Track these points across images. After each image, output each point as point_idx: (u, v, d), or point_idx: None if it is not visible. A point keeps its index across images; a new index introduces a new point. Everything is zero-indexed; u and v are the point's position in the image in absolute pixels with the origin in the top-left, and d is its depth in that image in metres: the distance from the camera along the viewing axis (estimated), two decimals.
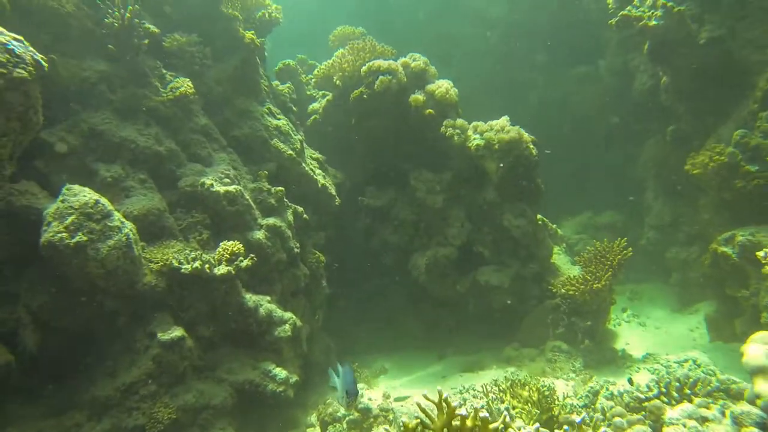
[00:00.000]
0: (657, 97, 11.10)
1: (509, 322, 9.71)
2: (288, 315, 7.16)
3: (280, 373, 6.58)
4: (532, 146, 9.00)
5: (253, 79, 8.82)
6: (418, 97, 9.24)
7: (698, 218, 10.69)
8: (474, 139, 8.94)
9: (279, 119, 9.03)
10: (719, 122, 8.84)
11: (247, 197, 7.36)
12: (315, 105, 11.46)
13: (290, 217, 8.09)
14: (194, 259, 6.10)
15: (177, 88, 7.14)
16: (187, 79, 7.37)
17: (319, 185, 9.35)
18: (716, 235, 7.93)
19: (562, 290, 8.44)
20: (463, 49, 17.24)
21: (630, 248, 8.39)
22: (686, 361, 7.76)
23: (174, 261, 6.00)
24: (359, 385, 6.40)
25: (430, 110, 9.27)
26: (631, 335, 10.15)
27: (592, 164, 15.15)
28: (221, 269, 6.23)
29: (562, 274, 9.69)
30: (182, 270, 5.97)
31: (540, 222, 11.12)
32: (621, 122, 14.03)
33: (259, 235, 7.22)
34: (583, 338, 9.08)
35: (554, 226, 11.56)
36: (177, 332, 5.79)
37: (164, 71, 7.38)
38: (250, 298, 6.69)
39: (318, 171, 9.74)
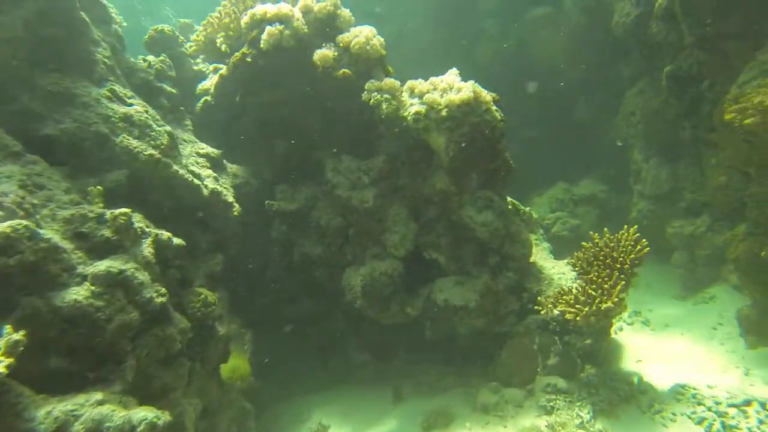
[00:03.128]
0: (645, 30, 8.61)
1: (483, 348, 7.21)
2: (140, 415, 4.35)
3: None
4: (494, 108, 6.34)
5: (78, 45, 5.81)
6: (326, 52, 6.40)
7: (708, 181, 8.35)
8: (411, 105, 6.20)
9: (130, 105, 6.06)
10: (753, 48, 6.30)
11: (51, 236, 4.45)
12: (206, 84, 8.43)
13: (148, 252, 5.20)
14: None
15: None
16: None
17: (207, 192, 6.48)
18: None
19: (555, 311, 5.92)
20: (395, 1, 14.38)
21: (645, 241, 5.90)
22: (748, 403, 5.37)
23: None
24: None
25: (345, 70, 6.45)
26: (638, 343, 7.79)
27: (561, 125, 12.70)
28: None
29: (547, 278, 7.17)
30: None
31: (510, 207, 8.59)
32: (594, 69, 11.56)
33: (79, 294, 4.35)
34: (582, 363, 6.65)
35: (528, 209, 9.03)
36: None
37: None
38: (46, 415, 3.84)
39: (207, 172, 6.84)
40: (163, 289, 5.14)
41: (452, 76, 6.38)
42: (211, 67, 8.78)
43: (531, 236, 9.05)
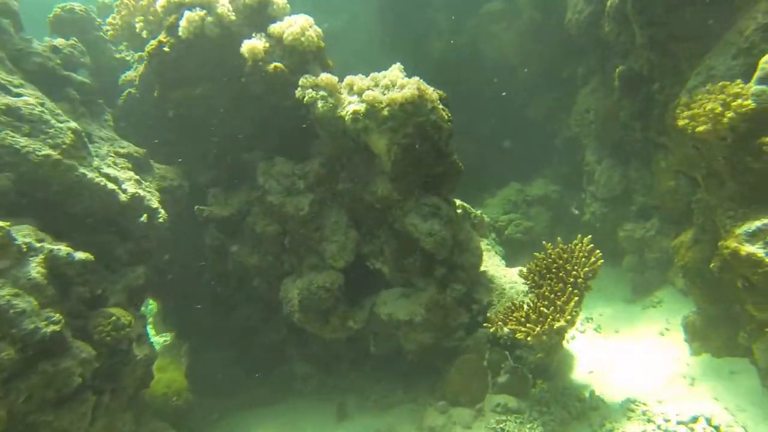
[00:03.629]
0: (598, 28, 8.33)
1: (430, 363, 6.77)
2: None
3: None
4: (441, 107, 5.85)
5: None
6: (256, 44, 5.74)
7: (658, 184, 8.17)
8: (349, 103, 5.64)
9: (18, 96, 5.25)
10: (701, 51, 6.10)
11: None
12: (130, 74, 7.61)
13: (36, 272, 4.44)
14: None
15: None
16: None
17: (125, 197, 5.74)
18: (725, 221, 5.23)
19: (505, 329, 5.50)
20: None
21: (599, 252, 5.57)
22: (695, 420, 5.12)
23: None
24: None
25: (278, 64, 5.82)
26: (590, 352, 7.54)
27: (514, 123, 12.40)
28: None
29: (498, 288, 6.78)
30: None
31: (460, 211, 8.16)
32: (548, 66, 11.27)
33: None
34: (534, 379, 6.30)
35: (479, 212, 8.64)
36: None
37: None
38: None
39: (128, 174, 6.07)
40: (57, 315, 4.42)
41: (396, 71, 5.85)
42: (135, 56, 7.95)
43: (482, 241, 8.68)
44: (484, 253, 8.42)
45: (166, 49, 5.58)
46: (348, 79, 5.73)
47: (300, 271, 6.49)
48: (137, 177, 6.15)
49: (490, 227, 9.41)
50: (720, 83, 4.88)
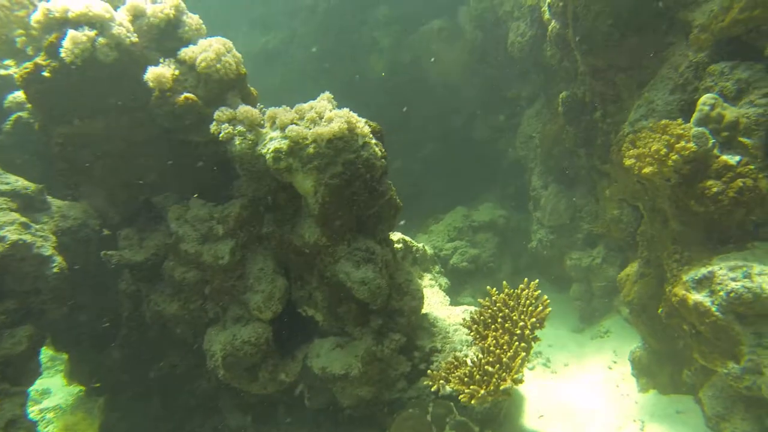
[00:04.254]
0: (541, 52, 8.08)
1: (371, 416, 6.21)
2: None
3: None
4: (374, 142, 5.33)
5: None
6: (163, 71, 5.05)
7: (603, 213, 7.98)
8: (271, 140, 5.03)
9: None
10: (641, 82, 5.88)
11: None
12: (19, 95, 6.70)
13: None
14: None
15: None
16: None
17: (0, 248, 4.89)
18: (671, 264, 4.94)
19: (447, 387, 5.00)
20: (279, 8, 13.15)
21: (547, 300, 5.17)
22: None
23: None
24: None
25: (190, 95, 5.15)
26: (540, 392, 7.18)
27: (460, 143, 12.11)
28: None
29: (441, 332, 6.30)
30: None
31: (400, 246, 7.69)
32: (492, 86, 11.02)
33: None
34: (482, 430, 5.84)
35: (421, 245, 8.18)
36: None
37: None
38: None
39: (10, 217, 5.21)
40: None
41: (323, 102, 5.30)
42: None
43: (425, 276, 8.25)
44: (427, 288, 7.98)
45: (46, 74, 4.78)
46: (270, 111, 5.12)
47: (224, 322, 5.80)
48: (24, 219, 5.30)
49: (434, 257, 8.98)
50: (663, 122, 4.63)
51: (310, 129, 5.00)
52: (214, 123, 5.05)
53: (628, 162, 4.56)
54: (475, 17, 10.47)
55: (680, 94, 5.28)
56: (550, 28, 7.16)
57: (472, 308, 7.07)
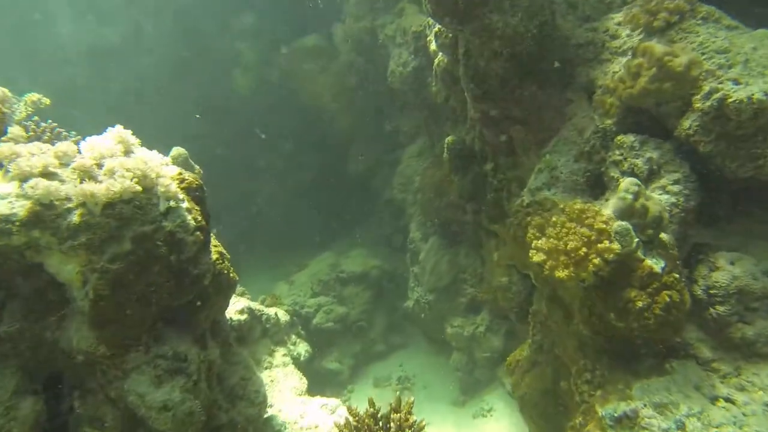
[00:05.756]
0: (425, 88, 6.92)
1: None
2: None
3: None
4: (185, 206, 3.64)
5: None
6: None
7: (489, 277, 6.99)
8: (1, 199, 3.14)
9: None
10: (540, 139, 4.87)
11: None
12: None
13: None
14: None
15: None
16: None
17: None
18: (581, 385, 3.84)
19: None
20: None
21: (423, 422, 3.84)
22: None
23: None
24: None
25: None
26: None
27: (334, 176, 10.71)
28: None
29: None
30: None
31: (245, 318, 6.06)
32: (369, 116, 9.76)
33: None
34: None
35: (273, 312, 6.55)
36: None
37: None
38: None
39: None
40: None
41: (109, 140, 3.52)
42: None
43: (279, 351, 6.68)
44: (279, 369, 6.46)
45: None
46: (4, 148, 3.22)
47: None
48: None
49: (293, 320, 7.39)
50: (577, 206, 3.58)
51: (77, 186, 3.19)
52: None
53: (536, 258, 3.42)
54: (351, 38, 9.15)
55: (586, 163, 4.37)
56: (436, 61, 6.02)
57: (331, 401, 5.75)
